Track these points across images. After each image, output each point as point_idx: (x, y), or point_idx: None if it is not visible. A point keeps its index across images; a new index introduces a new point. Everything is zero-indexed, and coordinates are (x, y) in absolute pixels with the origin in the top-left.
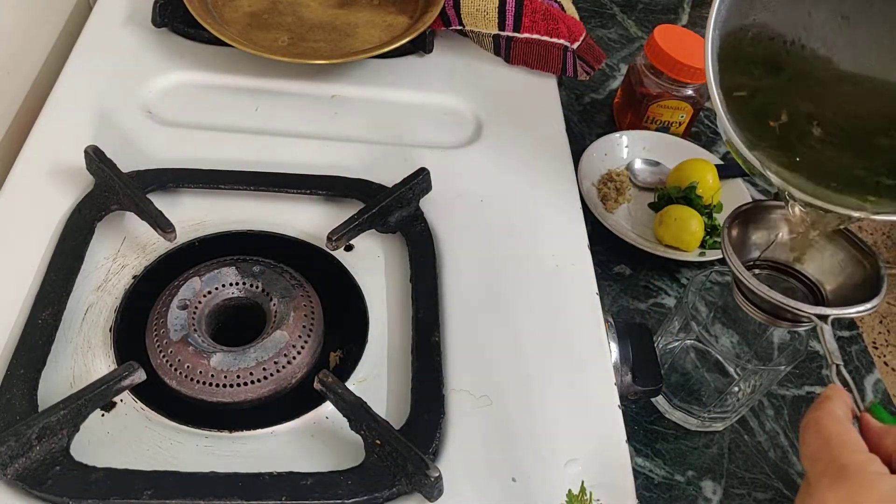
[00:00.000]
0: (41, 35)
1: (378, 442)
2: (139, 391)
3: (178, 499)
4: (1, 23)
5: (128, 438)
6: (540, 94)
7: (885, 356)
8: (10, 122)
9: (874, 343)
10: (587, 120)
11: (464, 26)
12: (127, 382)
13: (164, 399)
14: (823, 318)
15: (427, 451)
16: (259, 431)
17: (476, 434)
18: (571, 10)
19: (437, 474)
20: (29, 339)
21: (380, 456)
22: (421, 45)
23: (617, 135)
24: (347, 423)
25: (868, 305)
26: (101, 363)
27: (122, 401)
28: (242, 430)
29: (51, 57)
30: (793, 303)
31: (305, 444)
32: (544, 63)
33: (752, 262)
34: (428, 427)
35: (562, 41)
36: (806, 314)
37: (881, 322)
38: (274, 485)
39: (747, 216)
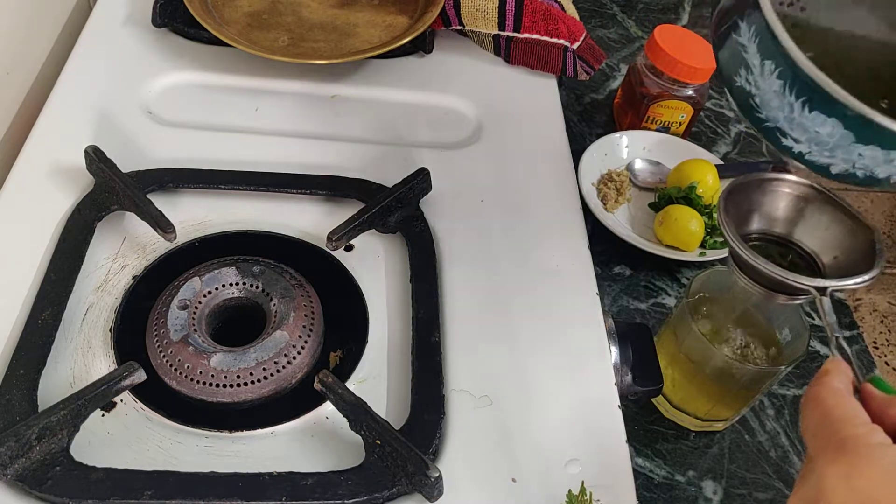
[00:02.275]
0: (41, 35)
1: (378, 442)
2: (139, 391)
3: (178, 499)
4: (1, 23)
5: (128, 438)
6: (540, 94)
7: (885, 356)
8: (10, 122)
9: (875, 343)
10: (587, 120)
11: (464, 26)
12: (127, 382)
13: (164, 399)
14: (822, 290)
15: (427, 452)
16: (259, 431)
17: (476, 434)
18: (571, 10)
19: (437, 474)
20: (29, 339)
21: (380, 456)
22: (421, 45)
23: (617, 135)
24: (347, 423)
25: (866, 277)
26: (101, 363)
27: (122, 401)
28: (242, 431)
29: (51, 57)
30: (791, 275)
31: (305, 444)
32: (544, 63)
33: (748, 236)
34: (428, 427)
35: (562, 41)
36: (804, 286)
37: (882, 322)
38: (274, 485)
39: (744, 189)
